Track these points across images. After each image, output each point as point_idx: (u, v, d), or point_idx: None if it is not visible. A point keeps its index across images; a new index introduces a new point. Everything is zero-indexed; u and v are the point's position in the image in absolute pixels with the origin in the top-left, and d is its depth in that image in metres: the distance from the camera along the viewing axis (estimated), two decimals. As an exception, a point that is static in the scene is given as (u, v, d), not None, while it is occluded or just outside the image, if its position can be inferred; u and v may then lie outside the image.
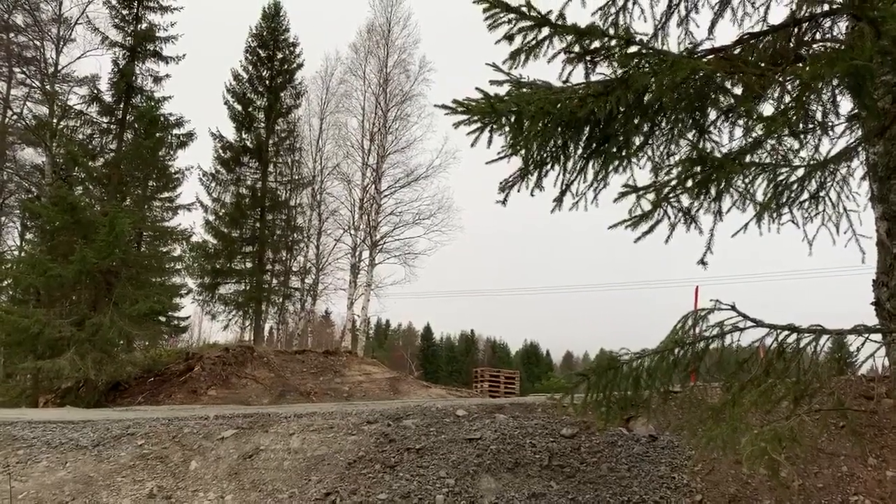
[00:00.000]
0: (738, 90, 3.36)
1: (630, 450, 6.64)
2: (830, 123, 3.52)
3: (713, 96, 3.38)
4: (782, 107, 3.28)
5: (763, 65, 3.40)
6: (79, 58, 28.39)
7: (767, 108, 3.47)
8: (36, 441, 7.39)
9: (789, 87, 3.30)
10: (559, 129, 3.76)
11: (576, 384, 4.27)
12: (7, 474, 6.68)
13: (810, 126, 3.52)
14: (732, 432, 3.90)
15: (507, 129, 3.71)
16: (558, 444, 6.73)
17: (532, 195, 4.00)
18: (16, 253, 29.16)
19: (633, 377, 4.16)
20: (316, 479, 6.48)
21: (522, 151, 3.92)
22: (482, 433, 6.90)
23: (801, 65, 3.23)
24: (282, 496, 6.31)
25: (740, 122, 3.53)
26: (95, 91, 23.27)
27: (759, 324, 3.81)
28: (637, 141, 3.74)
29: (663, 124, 3.59)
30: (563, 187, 4.04)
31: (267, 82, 28.37)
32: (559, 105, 3.59)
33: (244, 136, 27.97)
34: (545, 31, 3.43)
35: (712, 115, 3.57)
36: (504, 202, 4.05)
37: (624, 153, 3.68)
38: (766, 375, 3.86)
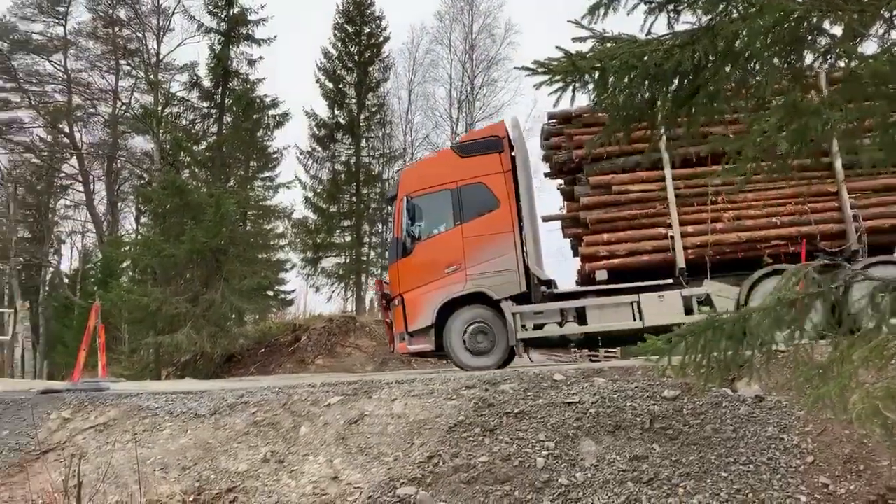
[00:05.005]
0: (837, 30, 3.16)
1: (735, 411, 6.46)
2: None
3: (809, 38, 3.19)
4: (886, 44, 3.06)
5: (865, 0, 3.17)
6: (178, 46, 29.78)
7: (870, 47, 3.24)
8: (159, 410, 7.91)
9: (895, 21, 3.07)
10: (646, 82, 3.65)
11: (673, 346, 4.19)
12: (135, 442, 7.21)
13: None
14: (841, 390, 3.73)
15: (590, 86, 3.63)
16: (660, 406, 6.62)
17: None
18: (133, 236, 31.03)
19: (734, 337, 4.04)
20: (419, 442, 6.65)
21: (610, 108, 3.84)
22: (581, 397, 6.88)
23: (907, -4, 3.00)
24: (387, 459, 6.52)
25: (841, 64, 3.31)
26: (195, 77, 24.23)
27: (868, 277, 3.62)
28: (729, 91, 3.59)
29: (756, 71, 3.41)
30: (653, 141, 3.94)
31: (356, 58, 28.65)
32: (645, 58, 3.48)
33: (336, 112, 28.43)
34: (623, -19, 3.33)
35: (809, 58, 3.37)
36: (590, 160, 3.99)
37: (715, 104, 3.54)
38: (878, 330, 3.66)
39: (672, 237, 10.16)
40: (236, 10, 23.16)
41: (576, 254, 11.66)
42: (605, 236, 10.51)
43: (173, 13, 29.13)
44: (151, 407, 7.97)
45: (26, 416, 7.85)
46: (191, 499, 6.52)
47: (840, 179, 9.95)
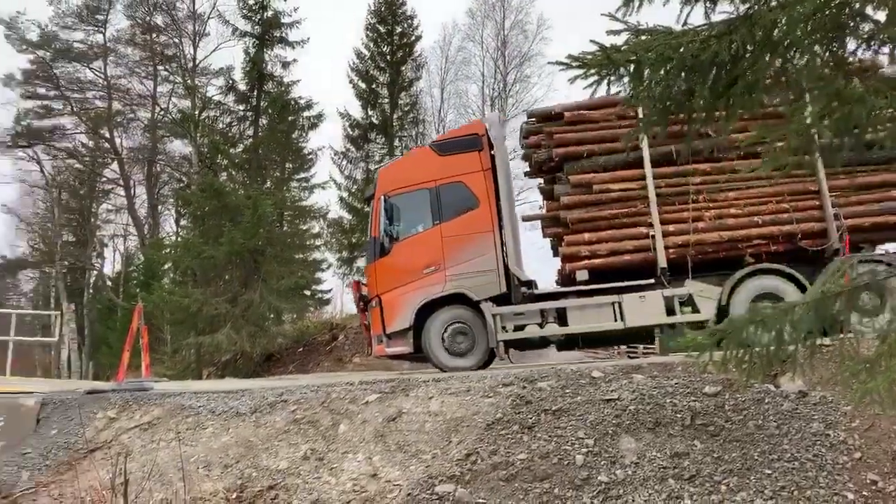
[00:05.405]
0: (880, 15, 3.07)
1: (778, 406, 6.34)
2: None
3: (851, 25, 3.10)
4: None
5: (910, -17, 3.08)
6: (214, 51, 30.25)
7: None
8: (202, 409, 8.03)
9: (942, 4, 2.97)
10: (682, 74, 3.59)
11: (713, 341, 4.13)
12: (178, 440, 7.34)
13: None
14: (890, 385, 3.63)
15: (626, 79, 3.59)
16: (700, 402, 6.53)
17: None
18: (173, 238, 31.60)
19: (776, 331, 3.96)
20: (456, 440, 6.66)
21: (645, 101, 3.79)
22: (619, 394, 6.81)
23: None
24: (425, 456, 6.54)
25: (885, 49, 3.22)
26: (231, 81, 24.55)
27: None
28: (768, 80, 3.51)
29: (796, 60, 3.33)
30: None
31: (388, 58, 28.70)
32: (681, 49, 3.43)
33: (370, 112, 28.51)
34: (658, -28, 3.29)
35: (851, 45, 3.28)
36: (626, 153, 3.95)
37: (753, 94, 3.47)
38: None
39: (653, 237, 9.99)
40: (270, 13, 23.38)
41: (556, 254, 11.49)
42: (586, 236, 10.35)
43: (209, 18, 29.63)
44: (194, 406, 8.10)
45: (74, 416, 8.04)
46: (233, 496, 6.61)
47: (822, 178, 9.78)
